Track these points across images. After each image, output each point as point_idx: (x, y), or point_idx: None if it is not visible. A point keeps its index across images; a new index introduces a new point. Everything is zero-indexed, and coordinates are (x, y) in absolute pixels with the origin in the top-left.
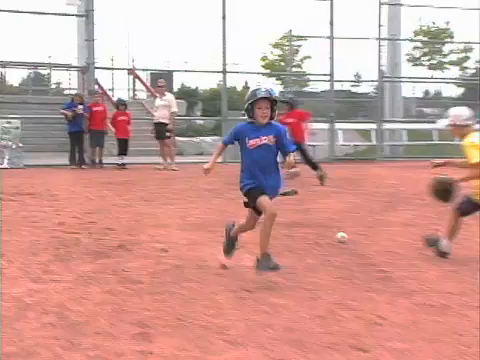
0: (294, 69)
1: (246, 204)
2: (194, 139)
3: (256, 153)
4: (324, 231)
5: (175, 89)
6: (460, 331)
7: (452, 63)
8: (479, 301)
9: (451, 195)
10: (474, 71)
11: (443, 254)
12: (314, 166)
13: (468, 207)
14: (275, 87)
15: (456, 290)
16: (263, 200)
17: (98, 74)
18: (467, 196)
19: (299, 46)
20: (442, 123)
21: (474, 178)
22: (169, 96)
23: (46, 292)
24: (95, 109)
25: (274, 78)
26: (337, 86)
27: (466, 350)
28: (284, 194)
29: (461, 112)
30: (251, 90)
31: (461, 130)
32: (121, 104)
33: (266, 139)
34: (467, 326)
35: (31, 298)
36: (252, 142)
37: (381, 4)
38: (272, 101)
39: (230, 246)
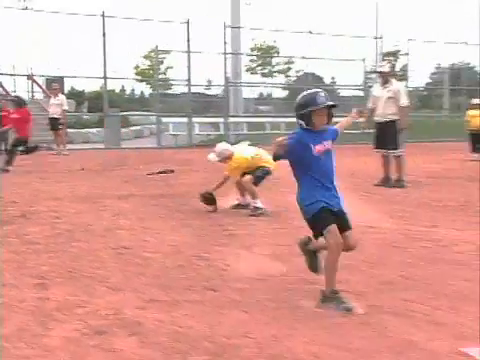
0: (160, 76)
1: (313, 230)
2: (81, 130)
3: (323, 160)
4: (184, 200)
5: (66, 91)
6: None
7: (279, 72)
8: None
9: (213, 200)
10: (295, 78)
11: (258, 209)
12: (28, 150)
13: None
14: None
15: (283, 241)
16: (333, 230)
17: (1, 79)
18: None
19: (164, 58)
20: (212, 158)
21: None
22: (61, 96)
23: None
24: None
25: (145, 83)
26: (193, 89)
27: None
28: (160, 172)
29: (220, 148)
30: (306, 96)
31: (226, 160)
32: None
33: (328, 144)
34: (293, 271)
35: None
36: (318, 147)
37: (225, 27)
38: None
39: (313, 260)
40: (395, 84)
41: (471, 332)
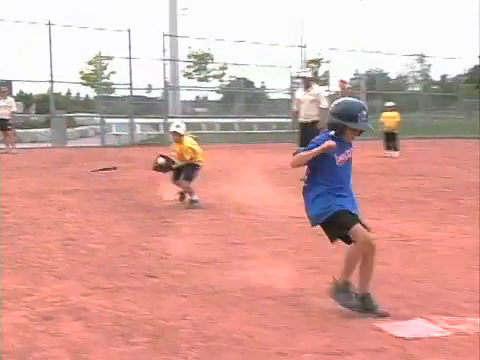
0: (104, 80)
1: (331, 233)
2: (29, 130)
3: (344, 169)
4: (126, 195)
5: (15, 94)
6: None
7: (214, 77)
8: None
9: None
10: (229, 82)
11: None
12: None
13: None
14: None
15: (218, 231)
16: (360, 229)
17: None
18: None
19: (107, 63)
20: (177, 127)
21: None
22: (10, 99)
23: None
24: None
25: (89, 86)
26: (135, 92)
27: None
28: (103, 169)
29: (181, 123)
30: (352, 108)
31: (180, 137)
32: None
33: (350, 153)
34: (226, 257)
35: None
36: (341, 158)
37: (164, 35)
38: None
39: (349, 299)
40: (316, 88)
41: (386, 309)
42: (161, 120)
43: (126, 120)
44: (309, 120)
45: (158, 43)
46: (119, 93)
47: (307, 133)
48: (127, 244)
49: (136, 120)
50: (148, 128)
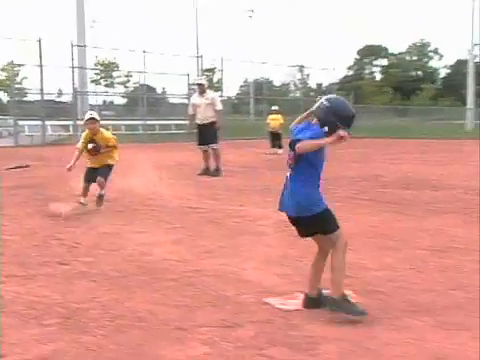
0: (17, 85)
1: (310, 229)
2: None
3: (324, 164)
4: (38, 190)
5: None
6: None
7: (119, 83)
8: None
9: None
10: (133, 88)
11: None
12: None
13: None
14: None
15: (121, 222)
16: (342, 232)
17: None
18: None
19: (19, 70)
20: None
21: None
22: None
23: None
24: None
25: (2, 91)
26: (46, 97)
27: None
28: (16, 167)
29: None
30: (350, 113)
31: (95, 126)
32: None
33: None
34: (130, 245)
35: None
36: (327, 152)
37: (73, 45)
38: None
39: (353, 306)
40: (211, 93)
41: (271, 286)
42: (71, 122)
43: (38, 122)
44: (206, 122)
45: (67, 52)
46: (31, 97)
47: (205, 132)
48: (40, 235)
49: (47, 122)
50: (59, 129)
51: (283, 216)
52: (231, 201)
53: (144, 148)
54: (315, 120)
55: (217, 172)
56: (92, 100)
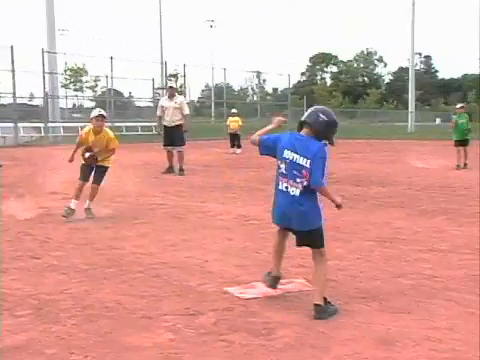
0: None
1: (313, 241)
2: None
3: None
4: (11, 189)
5: None
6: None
7: (88, 87)
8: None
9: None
10: (101, 92)
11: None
12: None
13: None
14: None
15: (95, 218)
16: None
17: None
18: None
19: None
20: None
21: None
22: None
23: None
24: None
25: None
26: (19, 100)
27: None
28: None
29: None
30: (333, 118)
31: (102, 123)
32: None
33: None
34: (100, 239)
35: None
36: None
37: (44, 52)
38: None
39: (330, 308)
40: (179, 97)
41: (231, 276)
42: (42, 124)
43: (11, 124)
44: (174, 124)
45: (39, 58)
46: (4, 101)
47: (172, 134)
48: (13, 231)
49: (20, 124)
50: (30, 131)
51: (242, 211)
52: (194, 198)
53: None
54: (307, 131)
55: (181, 172)
56: (62, 103)
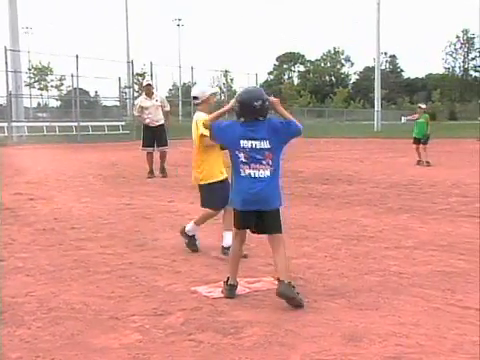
0: None
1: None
2: None
3: None
4: None
5: None
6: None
7: (53, 86)
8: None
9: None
10: (66, 92)
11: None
12: None
13: None
14: None
15: (62, 219)
16: None
17: None
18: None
19: None
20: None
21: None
22: None
23: None
24: None
25: None
26: None
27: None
28: None
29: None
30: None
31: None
32: None
33: None
34: (68, 240)
35: None
36: None
37: (6, 50)
38: None
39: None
40: (158, 95)
41: (199, 276)
42: (5, 124)
43: None
44: (157, 124)
45: (1, 56)
46: None
47: (155, 135)
48: None
49: None
50: None
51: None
52: (162, 197)
53: (80, 148)
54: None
55: (163, 171)
56: (27, 103)
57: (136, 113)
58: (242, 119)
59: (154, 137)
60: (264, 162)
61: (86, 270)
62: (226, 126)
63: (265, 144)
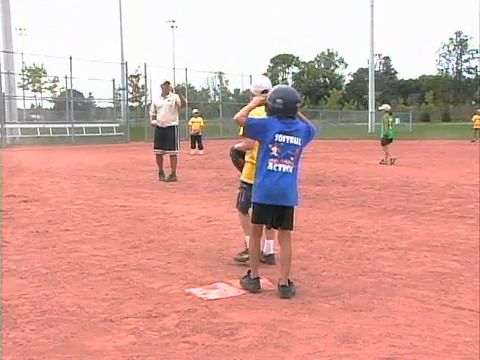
0: None
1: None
2: None
3: None
4: None
5: None
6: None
7: (47, 88)
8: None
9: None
10: (60, 93)
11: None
12: None
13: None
14: None
15: (55, 221)
16: None
17: None
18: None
19: None
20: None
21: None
22: None
23: None
24: None
25: None
26: None
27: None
28: None
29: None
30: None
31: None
32: None
33: None
34: (61, 243)
35: None
36: None
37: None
38: None
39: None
40: (174, 95)
41: (194, 278)
42: None
43: None
44: (167, 125)
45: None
46: None
47: (164, 137)
48: None
49: None
50: None
51: (205, 212)
52: (156, 199)
53: (74, 150)
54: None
55: (172, 177)
56: (20, 104)
57: (151, 113)
58: (277, 116)
59: (162, 139)
60: (292, 158)
61: (80, 272)
62: (265, 120)
63: (297, 141)
